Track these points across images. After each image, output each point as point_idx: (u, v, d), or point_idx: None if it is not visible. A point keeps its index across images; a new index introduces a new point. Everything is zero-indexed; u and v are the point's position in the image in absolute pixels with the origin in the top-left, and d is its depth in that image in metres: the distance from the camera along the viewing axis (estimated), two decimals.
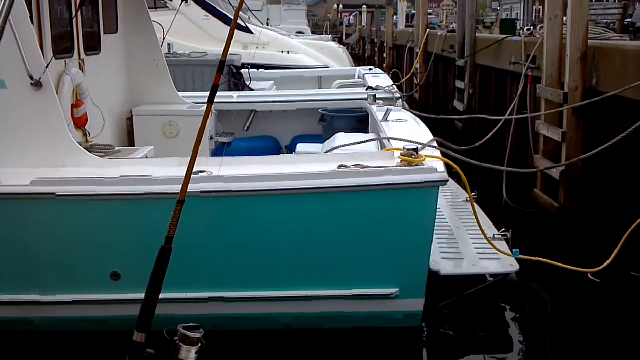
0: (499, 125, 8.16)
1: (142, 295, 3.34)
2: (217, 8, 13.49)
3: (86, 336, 4.70)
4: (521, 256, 5.26)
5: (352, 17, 51.55)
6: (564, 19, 7.26)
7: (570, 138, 6.94)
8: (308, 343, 4.83)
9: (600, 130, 6.52)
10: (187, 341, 3.22)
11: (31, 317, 4.65)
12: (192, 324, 3.27)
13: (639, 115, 5.57)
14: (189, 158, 3.38)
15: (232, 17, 12.18)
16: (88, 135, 5.91)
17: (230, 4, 14.50)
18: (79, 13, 5.89)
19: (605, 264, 5.47)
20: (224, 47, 3.42)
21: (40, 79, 4.53)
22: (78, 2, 5.84)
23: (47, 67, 4.58)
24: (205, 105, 3.54)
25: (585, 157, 6.53)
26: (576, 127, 6.92)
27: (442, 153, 4.73)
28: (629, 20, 24.18)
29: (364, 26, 36.68)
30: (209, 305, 4.58)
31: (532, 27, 9.45)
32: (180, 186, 3.33)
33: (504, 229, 5.73)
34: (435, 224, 5.78)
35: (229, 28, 3.64)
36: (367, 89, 7.63)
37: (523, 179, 8.43)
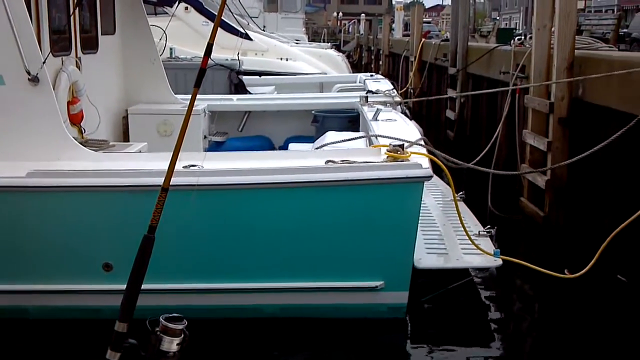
0: (491, 142, 8.38)
1: None
2: (216, 14, 13.63)
3: (80, 324, 4.81)
4: (502, 256, 5.40)
5: (350, 25, 51.79)
6: (552, 29, 7.41)
7: (556, 147, 7.08)
8: (292, 333, 4.94)
9: (586, 140, 6.66)
10: (169, 332, 3.21)
11: (26, 305, 4.78)
12: (174, 315, 3.25)
13: (623, 125, 5.71)
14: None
15: (229, 22, 12.30)
16: (83, 132, 6.03)
17: (230, 11, 14.65)
18: (77, 12, 6.02)
19: (585, 269, 5.62)
20: (209, 39, 3.47)
21: (37, 74, 4.63)
22: (75, 1, 5.97)
23: (44, 62, 4.69)
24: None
25: (570, 167, 6.72)
26: (562, 136, 7.07)
27: (427, 151, 4.86)
28: (625, 30, 24.46)
29: (361, 34, 36.92)
30: (195, 297, 4.70)
31: (523, 37, 9.59)
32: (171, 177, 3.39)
33: (489, 226, 5.90)
34: (423, 222, 5.98)
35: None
36: (366, 93, 7.72)
37: (511, 187, 8.59)
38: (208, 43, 3.45)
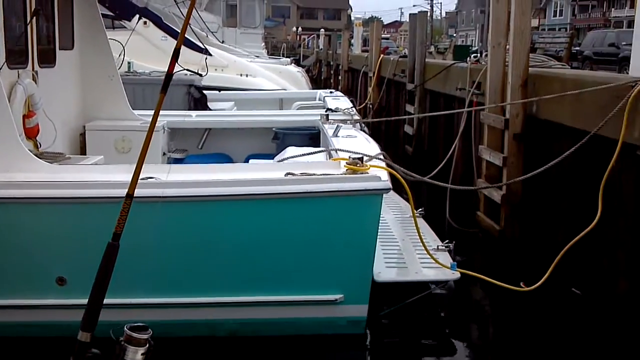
0: (448, 156, 8.53)
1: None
2: (175, 29, 13.60)
3: (34, 342, 4.71)
4: (459, 270, 5.49)
5: (310, 40, 52.08)
6: (507, 47, 7.59)
7: (511, 163, 7.23)
8: (254, 351, 4.93)
9: (540, 156, 6.82)
10: (133, 342, 3.13)
11: None
12: (139, 324, 3.19)
13: (576, 141, 5.87)
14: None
15: (190, 39, 12.22)
16: (39, 146, 5.94)
17: (190, 26, 14.59)
18: (34, 25, 5.94)
19: (540, 283, 5.75)
20: (170, 59, 3.46)
21: None
22: (31, 13, 5.90)
23: None
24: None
25: (525, 182, 6.87)
26: (517, 152, 7.22)
27: (386, 165, 4.92)
28: (577, 48, 25.18)
29: (321, 49, 37.14)
30: (154, 312, 4.64)
31: (478, 54, 9.79)
32: (126, 190, 3.29)
33: (447, 241, 6.00)
34: (383, 237, 6.04)
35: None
36: (326, 111, 7.80)
37: (468, 202, 8.74)
38: (175, 48, 3.43)
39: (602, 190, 5.50)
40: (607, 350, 5.13)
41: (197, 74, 10.03)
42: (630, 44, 5.69)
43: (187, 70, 9.90)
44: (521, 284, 5.95)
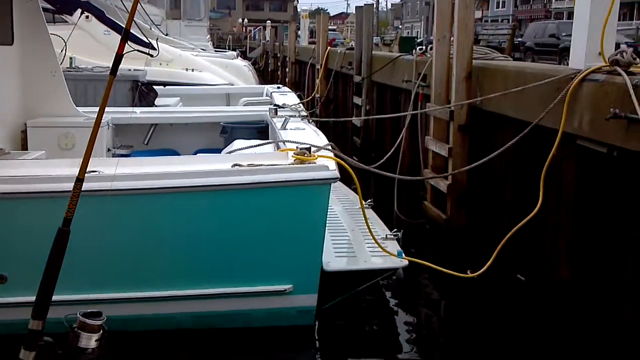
0: (394, 147, 8.64)
1: (30, 298, 3.26)
2: (118, 23, 13.35)
3: None
4: (407, 257, 5.60)
5: (256, 31, 51.78)
6: (452, 39, 7.72)
7: (456, 153, 7.38)
8: (204, 345, 4.92)
9: (484, 146, 6.98)
10: (87, 328, 3.15)
11: None
12: (92, 310, 3.19)
13: (518, 131, 6.02)
14: (80, 159, 3.32)
15: (134, 34, 12.05)
16: None
17: (133, 19, 14.28)
18: None
19: (484, 269, 5.91)
20: (114, 57, 3.42)
21: None
22: None
23: None
24: (103, 118, 3.54)
25: (470, 172, 7.01)
26: (462, 142, 7.37)
27: (334, 155, 4.97)
28: (519, 39, 25.72)
29: (267, 41, 37.00)
30: (103, 307, 4.57)
31: (424, 47, 9.93)
32: (72, 182, 3.23)
33: (395, 230, 6.11)
34: (332, 228, 6.10)
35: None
36: (274, 107, 7.82)
37: (416, 192, 8.89)
38: (125, 29, 3.38)
39: (543, 178, 5.67)
40: (550, 334, 5.31)
41: (148, 54, 9.83)
42: (570, 35, 5.85)
43: (138, 50, 9.62)
44: (468, 271, 6.09)
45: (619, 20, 6.27)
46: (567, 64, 6.00)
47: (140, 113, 8.02)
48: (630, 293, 4.73)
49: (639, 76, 4.71)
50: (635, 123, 4.43)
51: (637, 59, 4.99)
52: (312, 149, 4.81)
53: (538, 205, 5.69)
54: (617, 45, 5.18)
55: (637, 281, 4.65)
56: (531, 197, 5.84)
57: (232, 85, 13.49)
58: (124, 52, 3.43)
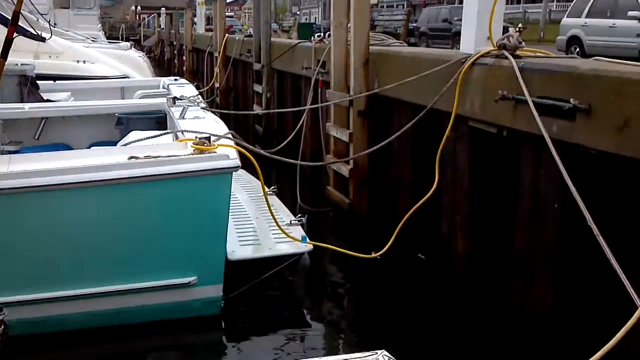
0: (294, 133, 8.71)
1: None
2: (3, 14, 12.64)
3: None
4: (311, 242, 5.69)
5: (150, 19, 50.44)
6: (349, 26, 7.83)
7: (357, 138, 7.52)
8: (110, 342, 4.84)
9: (384, 131, 7.14)
10: None
11: None
12: None
13: (415, 115, 6.22)
14: None
15: (22, 25, 11.35)
16: None
17: (19, 10, 13.56)
18: None
19: (385, 249, 6.12)
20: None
21: None
22: None
23: None
24: None
25: (371, 156, 7.19)
26: (361, 127, 7.52)
27: (235, 143, 4.97)
28: (414, 25, 26.36)
29: (162, 28, 36.15)
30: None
31: (322, 33, 10.02)
32: None
33: (300, 215, 6.19)
34: (236, 217, 6.10)
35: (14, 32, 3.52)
36: (171, 97, 7.65)
37: (319, 178, 9.02)
38: (14, 11, 3.25)
39: (439, 160, 5.90)
40: (450, 308, 5.55)
41: (40, 38, 9.32)
42: (461, 19, 6.07)
43: (28, 36, 9.08)
44: (372, 252, 6.26)
45: (506, 4, 6.56)
46: (459, 49, 6.23)
47: (29, 108, 7.67)
48: (520, 265, 5.01)
49: (525, 59, 4.97)
50: (522, 104, 4.68)
51: (523, 43, 5.25)
52: (212, 138, 4.78)
53: (434, 185, 5.92)
54: (505, 29, 5.43)
55: (525, 256, 4.94)
56: (429, 179, 6.06)
57: (127, 77, 13.07)
58: (13, 36, 3.30)
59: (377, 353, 2.18)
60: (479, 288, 5.57)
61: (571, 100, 4.21)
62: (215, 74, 16.55)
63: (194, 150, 4.56)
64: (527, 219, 4.91)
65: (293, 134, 8.81)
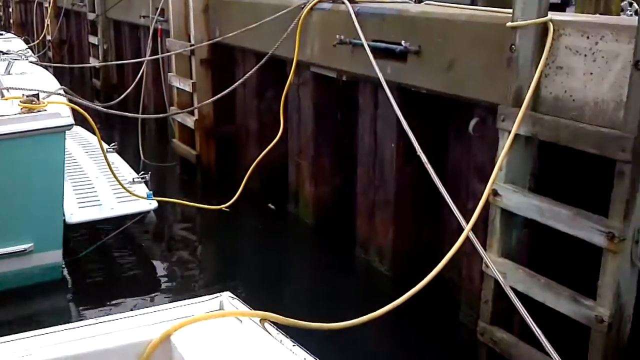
0: (133, 85, 8.40)
1: None
2: None
3: None
4: (155, 198, 5.56)
5: None
6: None
7: (200, 88, 7.37)
8: None
9: (228, 80, 7.03)
10: None
11: None
12: None
13: (257, 63, 6.20)
14: None
15: None
16: None
17: None
18: None
19: (232, 201, 6.15)
20: None
21: None
22: None
23: None
24: None
25: (216, 105, 7.09)
26: (204, 77, 7.38)
27: (68, 100, 4.73)
28: None
29: None
30: None
31: None
32: None
33: (142, 172, 6.01)
34: (73, 176, 5.81)
35: None
36: None
37: (164, 131, 8.80)
38: None
39: (283, 105, 5.96)
40: (299, 251, 5.70)
41: None
42: None
43: None
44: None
45: None
46: None
47: None
48: (363, 204, 5.23)
49: (361, 4, 5.07)
50: (358, 48, 4.80)
51: None
52: (41, 95, 4.50)
53: (279, 132, 5.98)
54: None
55: (367, 194, 5.15)
56: (276, 127, 6.10)
57: None
58: None
59: (220, 295, 2.20)
60: (328, 231, 5.75)
61: (403, 42, 4.37)
62: (46, 26, 15.46)
63: (21, 109, 4.26)
64: (367, 159, 5.10)
65: (132, 85, 8.48)
